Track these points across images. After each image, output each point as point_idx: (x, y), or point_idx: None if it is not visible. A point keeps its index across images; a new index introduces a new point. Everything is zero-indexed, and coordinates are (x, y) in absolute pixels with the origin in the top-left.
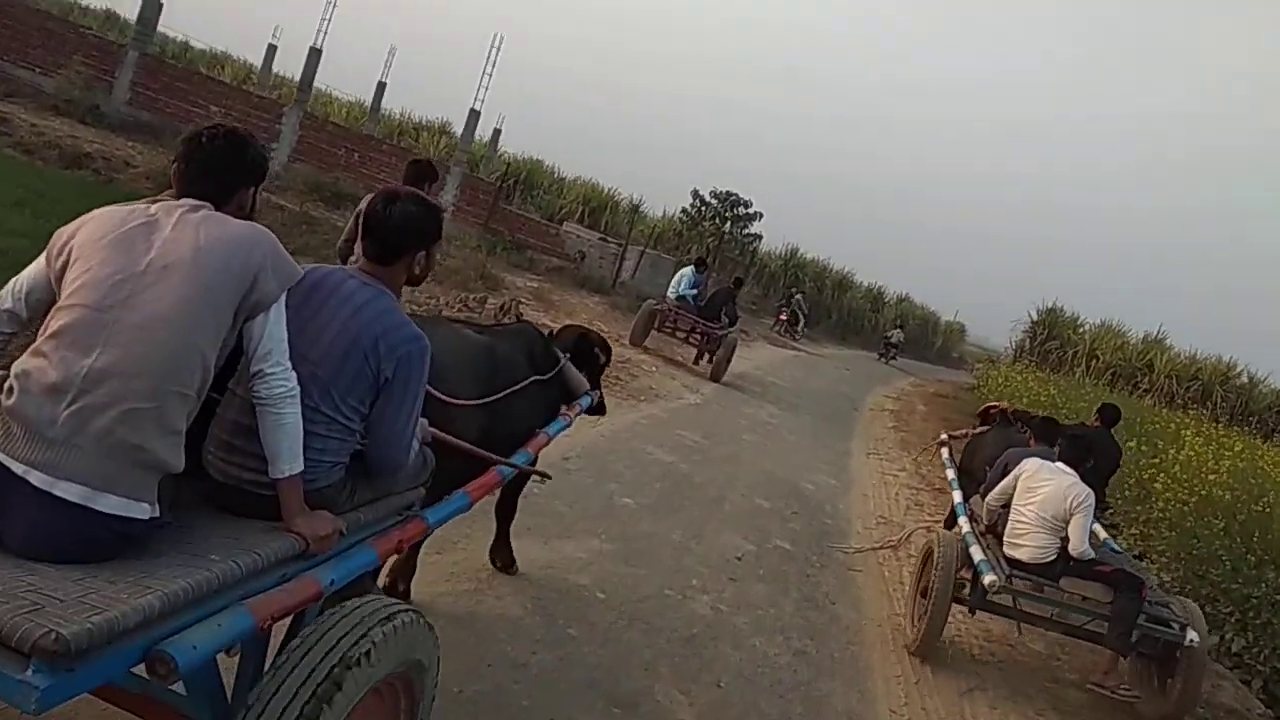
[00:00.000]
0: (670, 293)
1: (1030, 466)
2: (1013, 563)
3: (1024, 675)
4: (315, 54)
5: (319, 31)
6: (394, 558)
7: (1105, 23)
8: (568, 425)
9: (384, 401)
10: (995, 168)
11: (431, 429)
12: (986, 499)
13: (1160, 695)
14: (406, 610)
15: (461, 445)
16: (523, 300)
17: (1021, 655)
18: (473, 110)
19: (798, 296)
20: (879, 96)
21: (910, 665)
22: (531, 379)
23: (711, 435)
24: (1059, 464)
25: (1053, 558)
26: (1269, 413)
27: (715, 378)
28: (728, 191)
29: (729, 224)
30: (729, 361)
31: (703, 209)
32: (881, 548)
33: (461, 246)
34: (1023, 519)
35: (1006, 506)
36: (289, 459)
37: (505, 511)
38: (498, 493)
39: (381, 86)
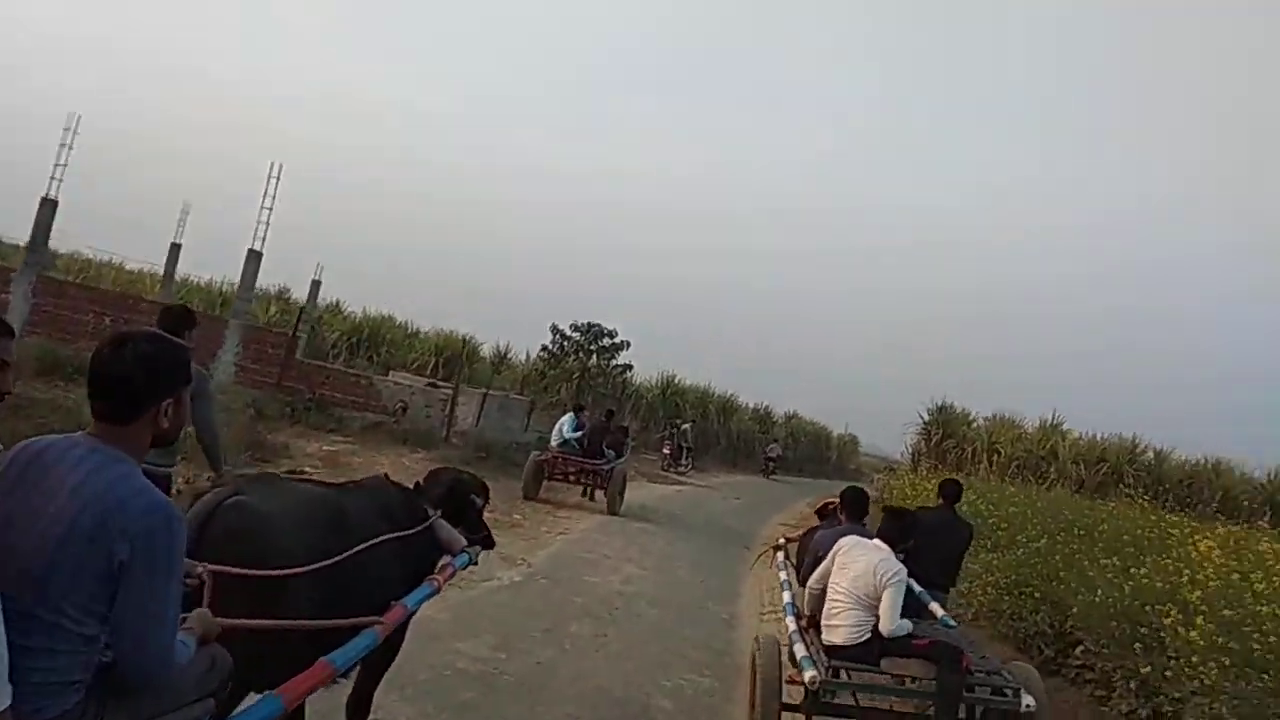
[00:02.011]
0: (554, 440)
1: (846, 543)
2: (831, 650)
3: None
4: (48, 204)
5: (52, 179)
6: None
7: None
8: (435, 592)
9: (125, 594)
10: (867, 280)
11: (220, 619)
12: (808, 584)
13: None
14: None
15: (264, 625)
16: (307, 469)
17: None
18: (251, 250)
19: (685, 426)
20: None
21: None
22: (386, 535)
23: (513, 640)
24: (875, 540)
25: (868, 637)
26: (1180, 487)
27: (612, 511)
28: (589, 323)
29: (594, 356)
30: (623, 493)
31: (564, 344)
32: None
33: (229, 410)
34: (837, 598)
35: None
36: None
37: (356, 712)
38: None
39: (176, 249)
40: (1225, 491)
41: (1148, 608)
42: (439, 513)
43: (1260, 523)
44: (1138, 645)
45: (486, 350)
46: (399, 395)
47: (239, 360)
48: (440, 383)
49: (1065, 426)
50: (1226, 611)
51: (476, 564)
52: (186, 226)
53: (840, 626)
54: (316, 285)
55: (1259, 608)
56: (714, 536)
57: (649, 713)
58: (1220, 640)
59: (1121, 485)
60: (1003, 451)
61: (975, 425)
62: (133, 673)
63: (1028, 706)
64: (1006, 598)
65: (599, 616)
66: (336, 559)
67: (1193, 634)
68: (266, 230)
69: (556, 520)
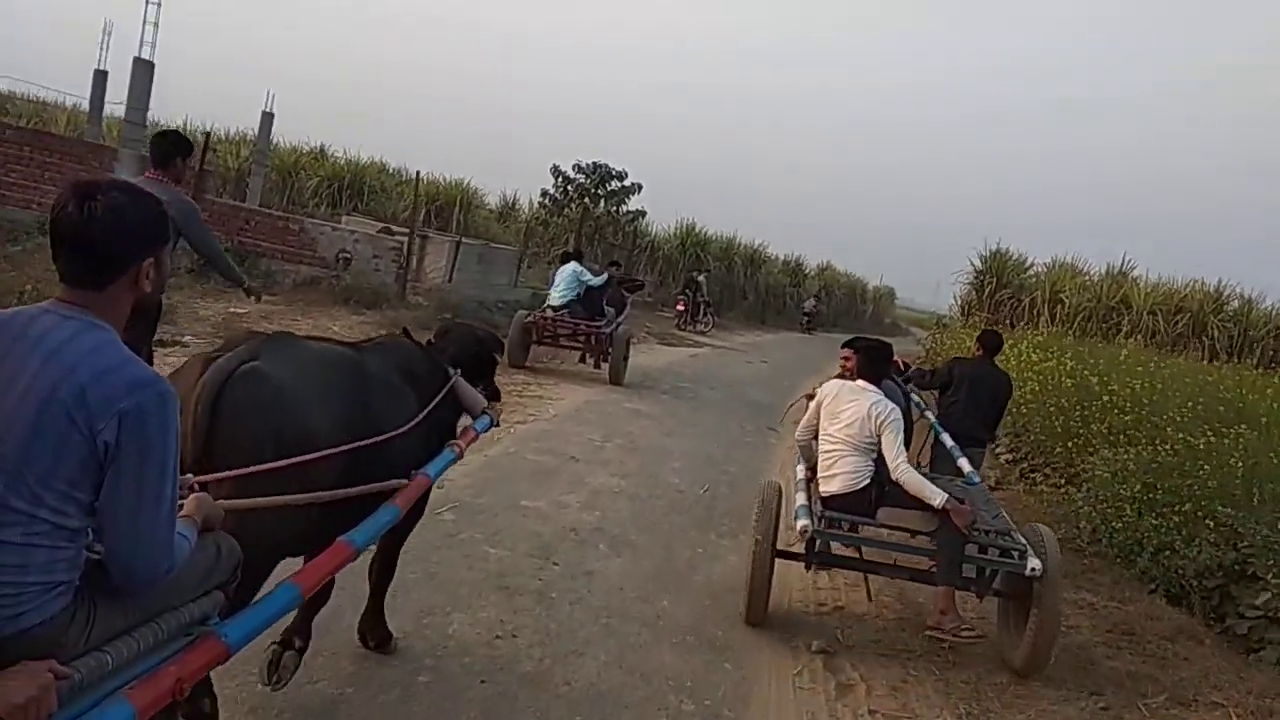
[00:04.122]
0: (555, 297)
1: (829, 390)
2: (829, 501)
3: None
4: None
5: None
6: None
7: None
8: (458, 458)
9: (113, 480)
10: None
11: (226, 500)
12: (795, 437)
13: (1019, 638)
14: None
15: (270, 502)
16: (188, 339)
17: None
18: (138, 60)
19: (700, 278)
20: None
21: None
22: (417, 414)
23: (333, 669)
24: (859, 382)
25: (866, 482)
26: (1268, 339)
27: (615, 381)
28: (595, 163)
29: (602, 201)
30: (626, 359)
31: (568, 188)
32: None
33: None
34: (831, 447)
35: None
36: None
37: (381, 574)
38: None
39: (101, 76)
40: None
41: None
42: (459, 371)
43: None
44: None
45: (492, 199)
46: (339, 243)
47: None
48: (396, 228)
49: (1136, 273)
50: None
51: (499, 425)
52: (109, 50)
53: (837, 475)
54: (268, 118)
55: None
56: (729, 415)
57: None
58: None
59: (1203, 338)
60: (1067, 301)
61: (1032, 273)
62: (126, 573)
63: (1033, 570)
64: (1152, 519)
65: (518, 587)
66: (363, 443)
67: None
68: (156, 32)
69: (522, 401)
